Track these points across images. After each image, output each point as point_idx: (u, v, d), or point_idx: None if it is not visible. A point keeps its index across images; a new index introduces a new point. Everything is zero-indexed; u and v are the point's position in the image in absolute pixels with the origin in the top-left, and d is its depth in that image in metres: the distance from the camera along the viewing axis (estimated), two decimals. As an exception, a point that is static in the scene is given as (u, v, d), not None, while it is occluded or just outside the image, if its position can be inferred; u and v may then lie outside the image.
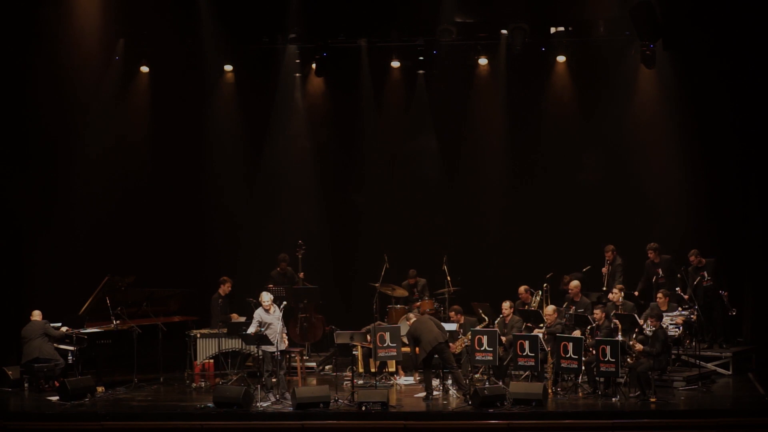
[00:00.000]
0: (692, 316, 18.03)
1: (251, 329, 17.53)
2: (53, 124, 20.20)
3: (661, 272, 19.23)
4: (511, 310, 18.14)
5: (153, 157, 21.25)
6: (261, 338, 17.35)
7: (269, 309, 17.55)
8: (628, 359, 16.99)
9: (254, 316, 17.68)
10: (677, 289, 18.64)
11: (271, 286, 19.63)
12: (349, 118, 21.77)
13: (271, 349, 17.41)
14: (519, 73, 20.95)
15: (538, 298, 19.26)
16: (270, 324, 17.47)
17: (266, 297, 17.69)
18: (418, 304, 19.76)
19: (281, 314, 17.57)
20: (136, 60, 21.20)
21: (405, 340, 19.06)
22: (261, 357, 17.56)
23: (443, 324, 17.80)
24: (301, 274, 20.43)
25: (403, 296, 20.41)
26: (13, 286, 19.60)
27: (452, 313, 18.41)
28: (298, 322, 20.09)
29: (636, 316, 17.74)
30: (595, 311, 17.69)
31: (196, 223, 21.37)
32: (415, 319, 17.79)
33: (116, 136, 20.90)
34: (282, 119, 21.76)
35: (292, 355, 18.63)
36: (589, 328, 17.54)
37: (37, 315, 18.21)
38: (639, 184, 20.70)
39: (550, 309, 17.99)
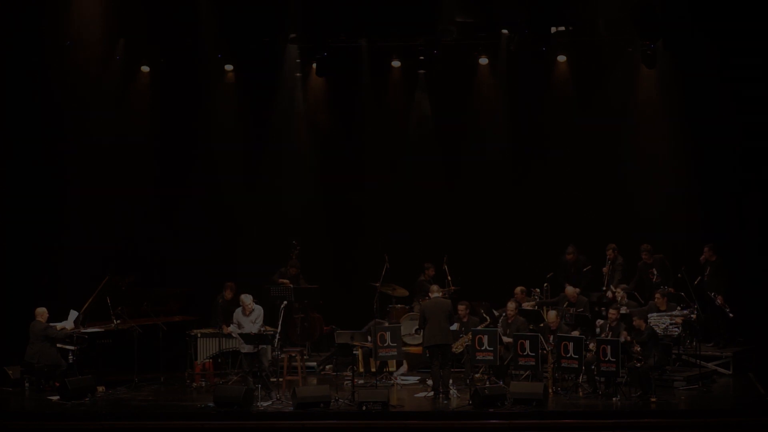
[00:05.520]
0: (692, 315, 18.06)
1: (233, 331, 17.60)
2: (53, 123, 20.22)
3: (655, 272, 19.25)
4: (516, 312, 18.14)
5: (153, 156, 21.24)
6: (262, 338, 17.37)
7: (248, 311, 17.56)
8: (636, 363, 16.97)
9: (233, 317, 17.73)
10: (667, 287, 18.66)
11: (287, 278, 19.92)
12: (349, 118, 21.76)
13: (245, 349, 17.48)
14: (519, 72, 20.94)
15: (537, 298, 19.30)
16: (243, 328, 17.54)
17: (247, 299, 17.70)
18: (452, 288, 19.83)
19: (261, 319, 17.62)
20: (136, 60, 21.21)
21: (406, 340, 19.09)
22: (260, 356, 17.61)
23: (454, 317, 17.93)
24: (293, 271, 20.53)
25: (403, 296, 20.43)
26: (14, 286, 19.61)
27: (462, 307, 18.37)
28: (297, 323, 20.12)
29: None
30: (611, 311, 17.67)
31: (197, 222, 21.35)
32: (437, 295, 17.76)
33: (117, 136, 20.89)
34: (282, 119, 21.76)
35: (293, 354, 18.64)
36: (599, 326, 17.57)
37: (39, 314, 18.16)
38: (640, 184, 20.69)
39: (552, 315, 18.00)
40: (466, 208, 21.46)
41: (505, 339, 17.77)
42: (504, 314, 18.28)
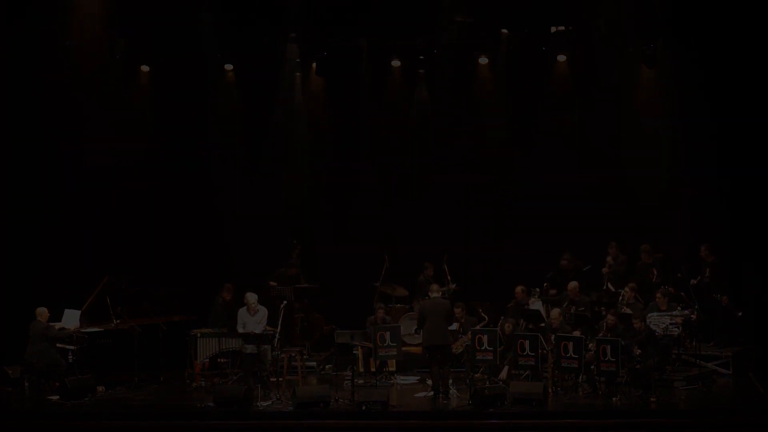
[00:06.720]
0: (693, 315, 18.06)
1: (239, 329, 17.64)
2: (53, 123, 20.21)
3: (655, 272, 19.25)
4: (511, 331, 18.05)
5: (153, 156, 21.25)
6: (263, 338, 17.36)
7: (252, 311, 17.56)
8: (636, 365, 16.98)
9: (238, 315, 17.73)
10: (667, 287, 18.67)
11: (272, 283, 19.78)
12: (349, 118, 21.76)
13: (248, 349, 17.49)
14: (519, 72, 20.96)
15: (536, 297, 19.30)
16: (247, 327, 17.53)
17: (252, 298, 17.70)
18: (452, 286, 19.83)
19: (265, 321, 17.62)
20: (136, 60, 21.22)
21: (405, 339, 19.09)
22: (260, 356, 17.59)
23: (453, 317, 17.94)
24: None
25: (403, 295, 20.43)
26: (14, 286, 19.62)
27: (458, 311, 18.38)
28: (297, 322, 20.12)
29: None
30: (609, 318, 17.66)
31: (197, 222, 21.35)
32: (436, 296, 17.75)
33: (117, 135, 20.88)
34: (282, 118, 21.76)
35: (293, 354, 18.64)
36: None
37: (40, 314, 18.14)
38: (640, 184, 20.69)
39: (555, 313, 17.99)
40: (466, 207, 21.45)
41: None
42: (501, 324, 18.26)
